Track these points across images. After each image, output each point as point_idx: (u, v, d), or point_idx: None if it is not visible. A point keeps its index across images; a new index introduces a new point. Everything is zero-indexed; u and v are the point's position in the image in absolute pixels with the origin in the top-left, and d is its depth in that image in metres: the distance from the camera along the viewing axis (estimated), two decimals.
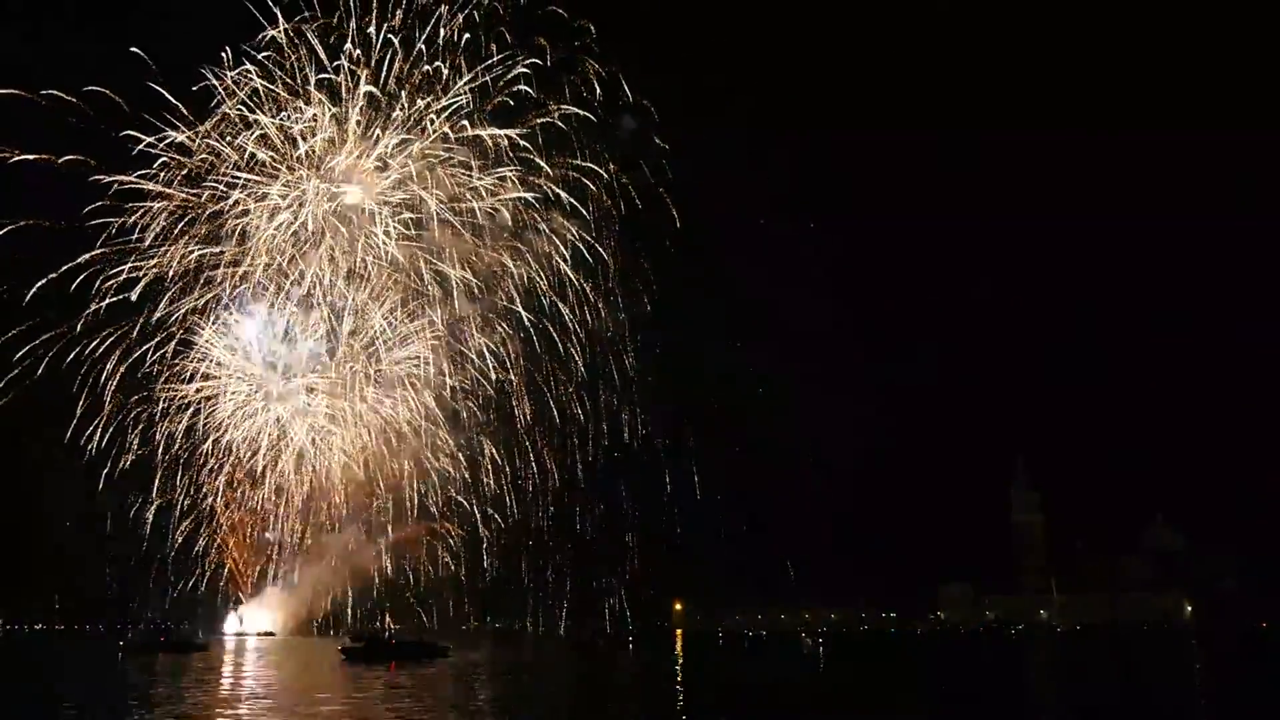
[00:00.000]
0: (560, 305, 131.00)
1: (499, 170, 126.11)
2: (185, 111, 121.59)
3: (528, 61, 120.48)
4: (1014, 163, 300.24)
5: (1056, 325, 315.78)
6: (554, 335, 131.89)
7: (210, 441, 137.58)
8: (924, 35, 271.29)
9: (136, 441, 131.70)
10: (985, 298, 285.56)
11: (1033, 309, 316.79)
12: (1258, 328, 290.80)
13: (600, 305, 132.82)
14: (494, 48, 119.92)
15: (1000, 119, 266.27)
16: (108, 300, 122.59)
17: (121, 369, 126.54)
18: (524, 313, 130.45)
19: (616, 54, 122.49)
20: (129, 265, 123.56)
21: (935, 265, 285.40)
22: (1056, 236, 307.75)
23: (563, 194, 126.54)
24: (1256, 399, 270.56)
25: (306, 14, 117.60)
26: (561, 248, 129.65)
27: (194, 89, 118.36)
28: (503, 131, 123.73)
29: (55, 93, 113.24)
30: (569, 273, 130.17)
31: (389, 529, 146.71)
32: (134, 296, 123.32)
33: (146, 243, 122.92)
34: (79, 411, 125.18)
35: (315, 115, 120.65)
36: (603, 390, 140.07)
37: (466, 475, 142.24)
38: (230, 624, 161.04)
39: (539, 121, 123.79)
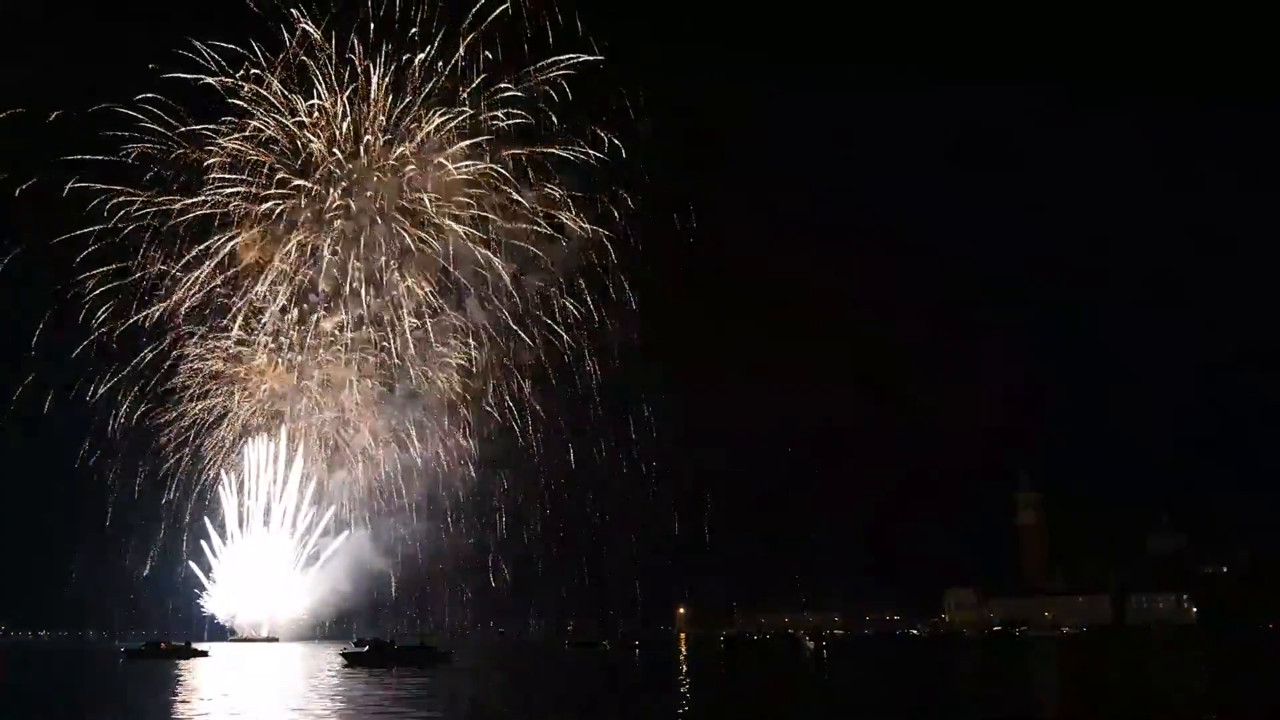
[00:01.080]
0: (578, 331, 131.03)
1: (517, 188, 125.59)
2: (194, 127, 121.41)
3: (546, 81, 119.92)
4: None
5: (1057, 325, 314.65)
6: (568, 360, 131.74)
7: (219, 458, 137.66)
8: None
9: (146, 456, 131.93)
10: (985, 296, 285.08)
11: (1032, 309, 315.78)
12: (1259, 327, 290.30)
13: (616, 332, 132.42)
14: (512, 73, 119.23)
15: None
16: (121, 325, 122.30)
17: (131, 392, 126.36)
18: (538, 333, 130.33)
19: (637, 71, 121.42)
20: (140, 287, 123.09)
21: (934, 265, 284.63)
22: (1058, 233, 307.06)
23: (581, 218, 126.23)
24: (1258, 399, 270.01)
25: (322, 31, 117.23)
26: (577, 273, 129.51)
27: (210, 107, 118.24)
28: (522, 150, 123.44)
29: (62, 112, 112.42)
30: (587, 298, 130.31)
31: (398, 542, 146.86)
32: (152, 315, 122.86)
33: (156, 261, 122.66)
34: (89, 436, 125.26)
35: (334, 134, 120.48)
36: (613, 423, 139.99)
37: (476, 494, 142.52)
38: (232, 629, 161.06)
39: (557, 141, 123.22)
